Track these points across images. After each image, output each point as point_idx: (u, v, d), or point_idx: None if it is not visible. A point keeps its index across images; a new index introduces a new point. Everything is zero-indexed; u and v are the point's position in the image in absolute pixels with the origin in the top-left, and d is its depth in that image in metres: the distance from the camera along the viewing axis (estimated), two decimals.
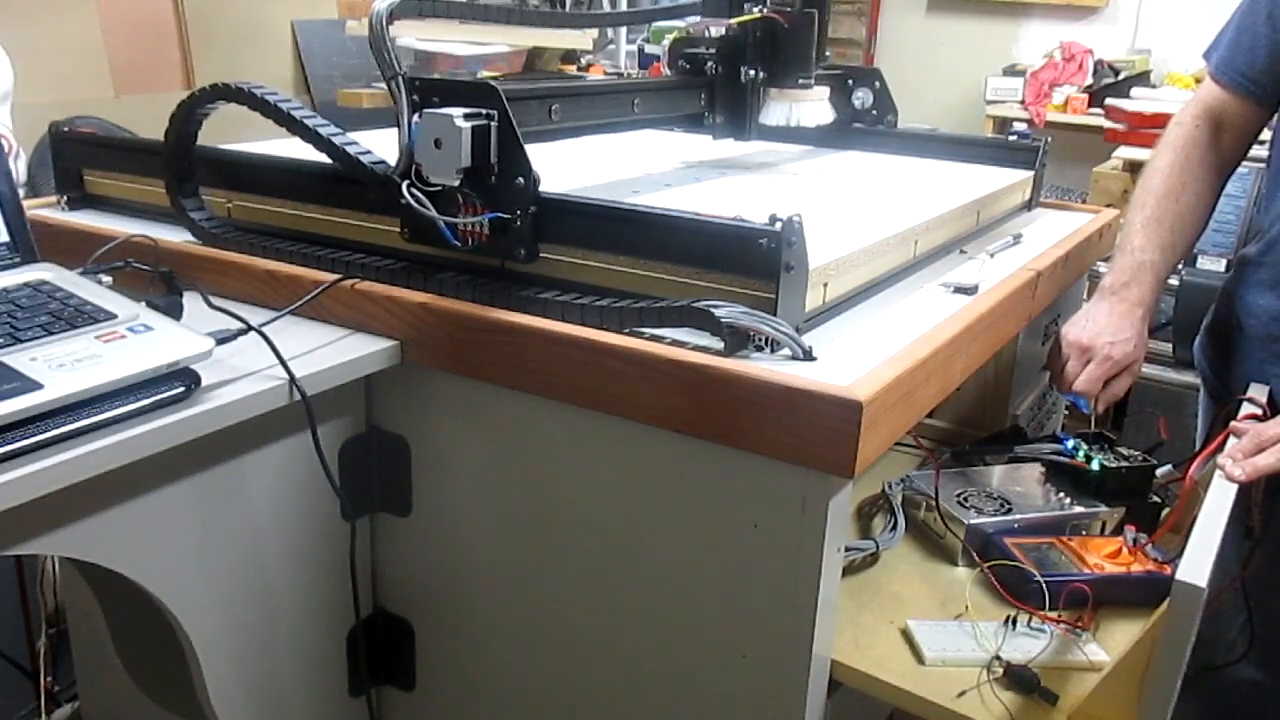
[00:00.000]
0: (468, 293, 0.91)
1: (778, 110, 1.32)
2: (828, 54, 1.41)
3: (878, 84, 1.54)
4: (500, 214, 0.88)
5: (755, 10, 1.27)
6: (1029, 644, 0.92)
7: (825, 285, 0.89)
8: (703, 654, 0.87)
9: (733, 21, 1.29)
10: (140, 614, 0.90)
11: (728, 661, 0.86)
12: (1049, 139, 1.51)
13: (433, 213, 0.88)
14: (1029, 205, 1.47)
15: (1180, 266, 2.17)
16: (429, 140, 0.86)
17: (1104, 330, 1.15)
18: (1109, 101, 3.38)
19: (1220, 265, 2.12)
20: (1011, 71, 4.03)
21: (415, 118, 0.88)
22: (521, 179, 0.87)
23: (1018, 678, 0.88)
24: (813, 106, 1.33)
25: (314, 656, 0.99)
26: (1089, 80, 3.81)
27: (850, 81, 1.55)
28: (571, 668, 0.96)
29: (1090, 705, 0.85)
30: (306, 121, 0.95)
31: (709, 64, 1.34)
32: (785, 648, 0.83)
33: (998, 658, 0.90)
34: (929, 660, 0.91)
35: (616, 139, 1.58)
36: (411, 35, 2.98)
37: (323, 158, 0.96)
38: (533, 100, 1.02)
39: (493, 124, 0.87)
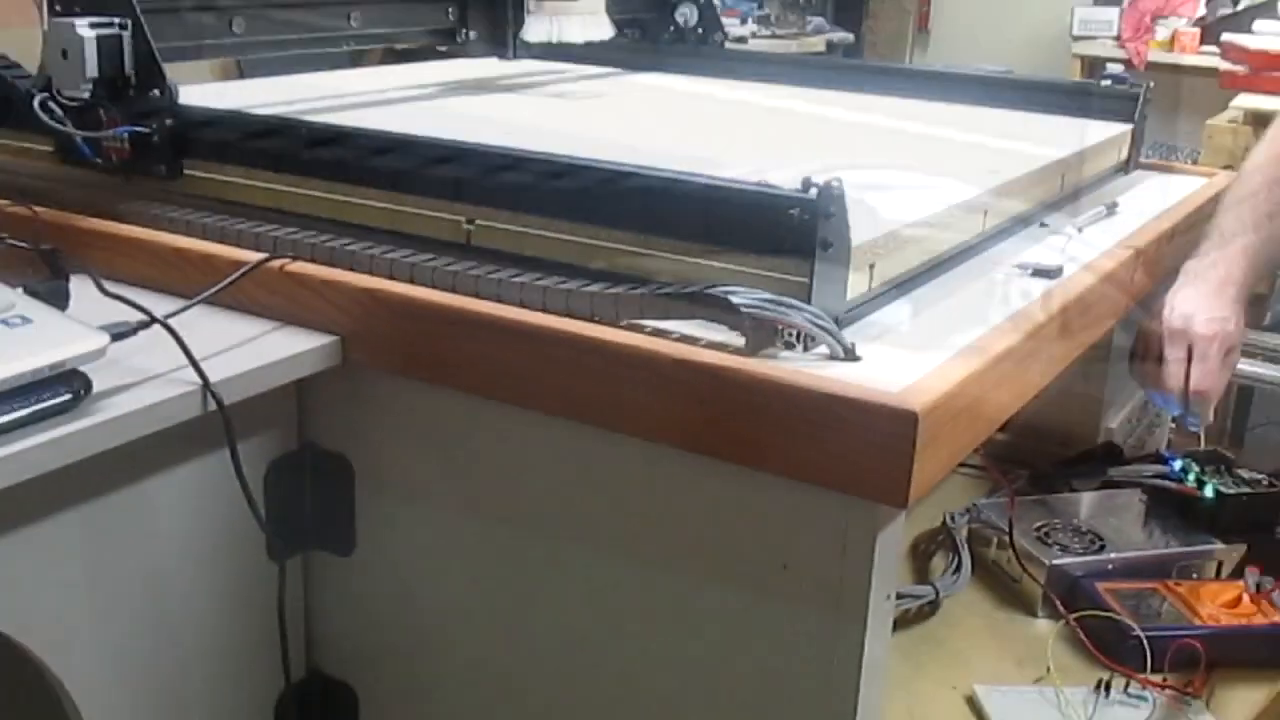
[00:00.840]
0: (425, 275, 0.91)
1: (538, 25, 1.40)
2: None
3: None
4: (136, 128, 1.01)
5: None
6: (1126, 715, 0.93)
7: (871, 267, 0.89)
8: None
9: None
10: (15, 676, 0.90)
11: None
12: (1151, 84, 1.51)
13: (67, 127, 1.00)
14: (1126, 167, 1.47)
15: None
16: (57, 51, 0.98)
17: (1199, 308, 1.14)
18: (1226, 37, 3.39)
19: None
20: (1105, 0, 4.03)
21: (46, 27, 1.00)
22: (157, 90, 1.00)
23: None
24: (581, 20, 1.40)
25: None
26: (1202, 10, 3.81)
27: None
28: None
29: None
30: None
31: None
32: None
33: None
34: None
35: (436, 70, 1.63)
36: None
37: None
38: (203, 11, 1.16)
39: (125, 33, 0.98)
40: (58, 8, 0.99)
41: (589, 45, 1.44)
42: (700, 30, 1.68)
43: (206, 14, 1.15)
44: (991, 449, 1.34)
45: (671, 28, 1.67)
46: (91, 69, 0.97)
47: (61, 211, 1.06)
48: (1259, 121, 2.63)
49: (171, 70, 1.16)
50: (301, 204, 1.01)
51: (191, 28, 1.13)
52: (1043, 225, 1.20)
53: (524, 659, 0.95)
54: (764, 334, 0.81)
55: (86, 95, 0.98)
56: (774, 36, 3.72)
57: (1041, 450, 1.36)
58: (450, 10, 1.44)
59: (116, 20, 0.98)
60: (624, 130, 1.28)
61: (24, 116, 1.02)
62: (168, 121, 1.01)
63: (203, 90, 1.29)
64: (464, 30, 1.45)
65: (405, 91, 1.40)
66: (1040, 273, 1.03)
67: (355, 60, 1.86)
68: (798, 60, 2.18)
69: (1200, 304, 1.15)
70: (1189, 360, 1.13)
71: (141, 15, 0.99)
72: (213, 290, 0.94)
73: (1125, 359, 1.29)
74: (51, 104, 0.99)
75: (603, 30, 1.43)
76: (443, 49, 1.52)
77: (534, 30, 1.41)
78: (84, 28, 0.96)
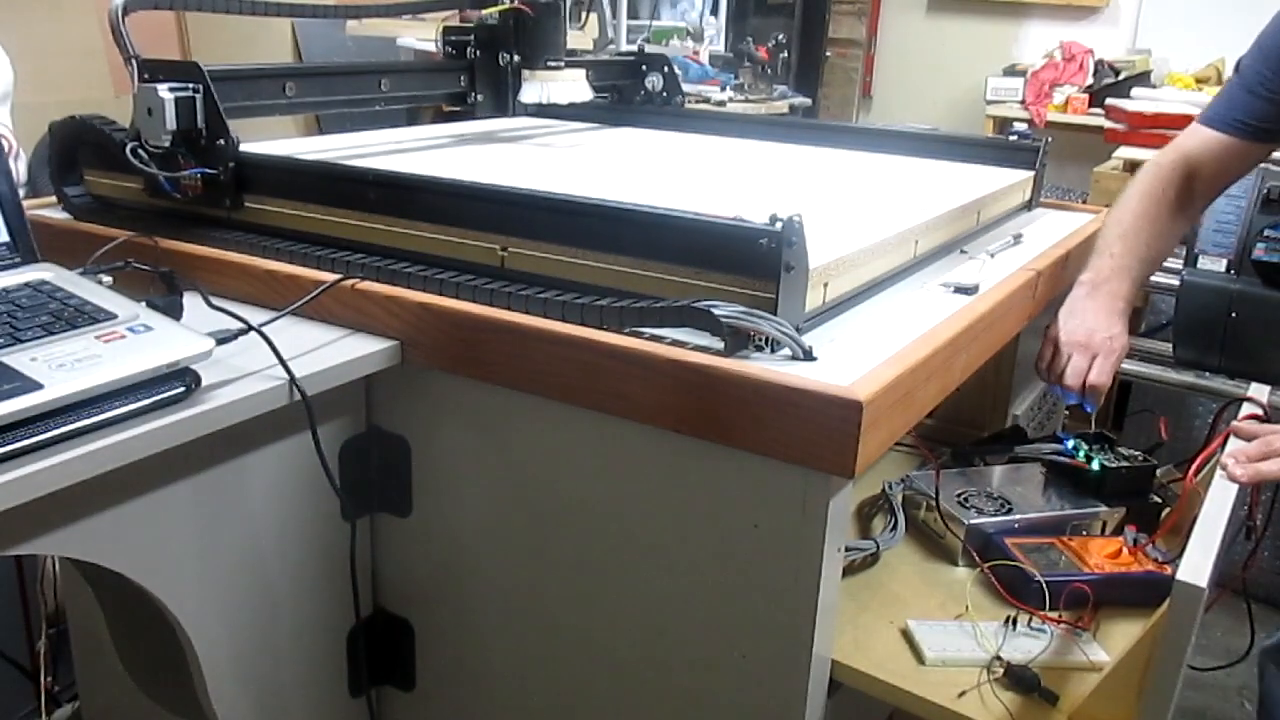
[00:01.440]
0: (467, 293, 0.91)
1: (532, 89, 1.44)
2: (748, 48, 1.55)
3: (666, 69, 1.73)
4: (207, 170, 1.05)
5: (506, 1, 1.42)
6: (1029, 644, 0.93)
7: (825, 285, 0.89)
8: (702, 654, 0.87)
9: (488, 11, 1.45)
10: (140, 614, 0.90)
11: (727, 662, 0.86)
12: (1049, 139, 1.51)
13: (152, 169, 1.04)
14: (1029, 205, 1.47)
15: (1181, 266, 2.17)
16: (144, 110, 1.02)
17: (1097, 326, 1.16)
18: (1109, 101, 3.39)
19: (1220, 265, 2.12)
20: (1012, 71, 4.03)
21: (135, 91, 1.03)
22: (222, 140, 1.04)
23: (1018, 678, 0.88)
24: (565, 85, 1.45)
25: (314, 656, 0.99)
26: (1089, 80, 3.81)
27: (644, 66, 1.73)
28: (570, 668, 0.96)
29: (1090, 705, 0.85)
30: (103, 128, 1.10)
31: (469, 49, 1.48)
32: (785, 648, 0.83)
33: (998, 658, 0.90)
34: (929, 660, 0.91)
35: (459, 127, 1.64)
36: (412, 35, 2.98)
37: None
38: (262, 79, 1.19)
39: (198, 96, 1.03)
40: (145, 76, 1.03)
41: (572, 105, 1.48)
42: (665, 94, 1.72)
43: (264, 80, 1.18)
44: (921, 431, 1.34)
45: (641, 92, 1.72)
46: (170, 123, 1.01)
47: (177, 241, 1.06)
48: (1135, 169, 2.62)
49: (259, 124, 1.20)
50: (364, 234, 1.01)
51: (252, 90, 1.16)
52: (962, 252, 1.20)
53: (550, 598, 0.95)
54: (739, 339, 0.81)
55: (167, 144, 1.02)
56: (747, 100, 3.72)
57: (961, 432, 1.36)
58: (461, 78, 1.48)
59: (190, 85, 1.02)
60: (603, 172, 1.30)
61: (120, 161, 1.05)
62: (231, 164, 1.04)
63: (277, 143, 1.30)
64: (473, 94, 1.49)
65: (436, 142, 1.42)
66: (961, 290, 1.03)
67: (411, 118, 1.87)
68: (773, 120, 2.17)
69: (1099, 321, 1.16)
70: (1089, 365, 1.14)
71: (211, 81, 1.03)
72: (298, 304, 0.93)
73: (1031, 359, 1.29)
74: (140, 151, 1.04)
75: (583, 93, 1.47)
76: (456, 109, 1.55)
77: (528, 93, 1.44)
78: (164, 91, 1.01)
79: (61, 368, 0.71)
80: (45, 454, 0.68)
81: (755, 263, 0.81)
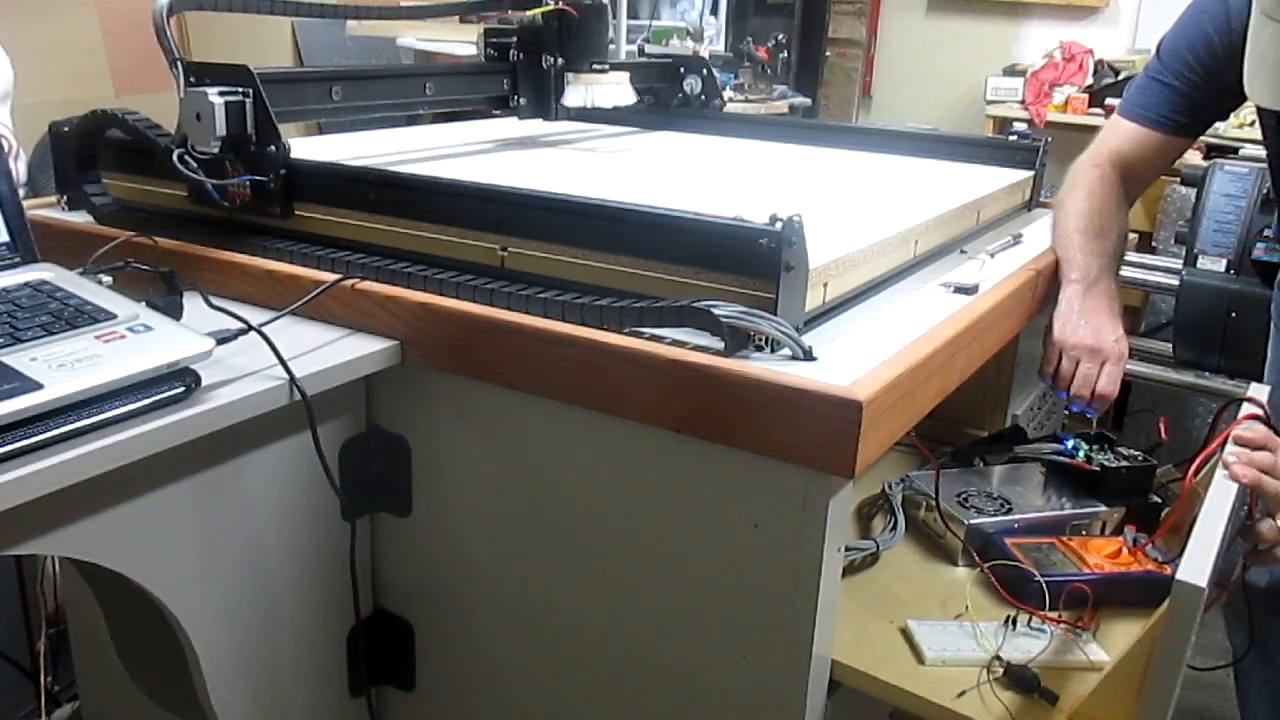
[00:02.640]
0: (467, 293, 0.91)
1: (576, 93, 1.41)
2: (748, 48, 1.53)
3: (705, 72, 1.68)
4: (256, 177, 1.01)
5: (550, 2, 1.38)
6: (1029, 644, 0.93)
7: (825, 285, 0.89)
8: (703, 654, 0.87)
9: (532, 12, 1.40)
10: (140, 614, 0.90)
11: (728, 661, 0.86)
12: (1049, 139, 1.51)
13: (200, 176, 1.00)
14: (1029, 205, 1.47)
15: (1181, 266, 2.17)
16: (192, 114, 0.98)
17: (1104, 328, 1.14)
18: (1109, 101, 3.39)
19: (1220, 265, 2.12)
20: (1011, 71, 4.02)
21: (183, 95, 0.99)
22: (273, 146, 1.00)
23: (1018, 678, 0.88)
24: (609, 89, 1.41)
25: (314, 656, 0.99)
26: (1089, 80, 3.81)
27: (682, 69, 1.69)
28: (571, 667, 0.96)
29: (1090, 705, 0.85)
30: (116, 111, 1.06)
31: (512, 51, 1.44)
32: (785, 647, 0.83)
33: (998, 658, 0.90)
34: (929, 660, 0.91)
35: (476, 127, 1.64)
36: (412, 35, 2.98)
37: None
38: (309, 82, 1.15)
39: (248, 100, 0.99)
40: (191, 79, 0.99)
41: (614, 109, 1.45)
42: (703, 97, 1.68)
43: (311, 84, 1.14)
44: (922, 430, 1.33)
45: (679, 95, 1.68)
46: (220, 129, 0.97)
47: (176, 241, 1.06)
48: None
49: None
50: (371, 235, 1.00)
51: (299, 94, 1.11)
52: (962, 252, 1.20)
53: (550, 597, 0.95)
54: (739, 339, 0.81)
55: (216, 150, 0.99)
56: (746, 100, 3.71)
57: (961, 432, 1.36)
58: (505, 81, 1.44)
59: (240, 89, 0.98)
60: (638, 174, 1.29)
61: (158, 165, 1.01)
62: (282, 172, 1.01)
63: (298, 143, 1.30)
64: (516, 97, 1.45)
65: (482, 147, 1.41)
66: (960, 290, 1.03)
67: (411, 118, 1.86)
68: (775, 121, 2.15)
69: (1104, 324, 1.14)
70: (1099, 371, 1.13)
71: (261, 85, 0.99)
72: (298, 304, 0.93)
73: (1031, 359, 1.29)
74: (187, 157, 0.99)
75: (627, 97, 1.44)
76: (497, 112, 1.52)
77: (572, 97, 1.41)
78: (214, 95, 0.96)
79: (61, 368, 0.71)
80: (45, 454, 0.68)
81: (755, 263, 0.81)
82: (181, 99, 0.99)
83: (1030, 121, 3.78)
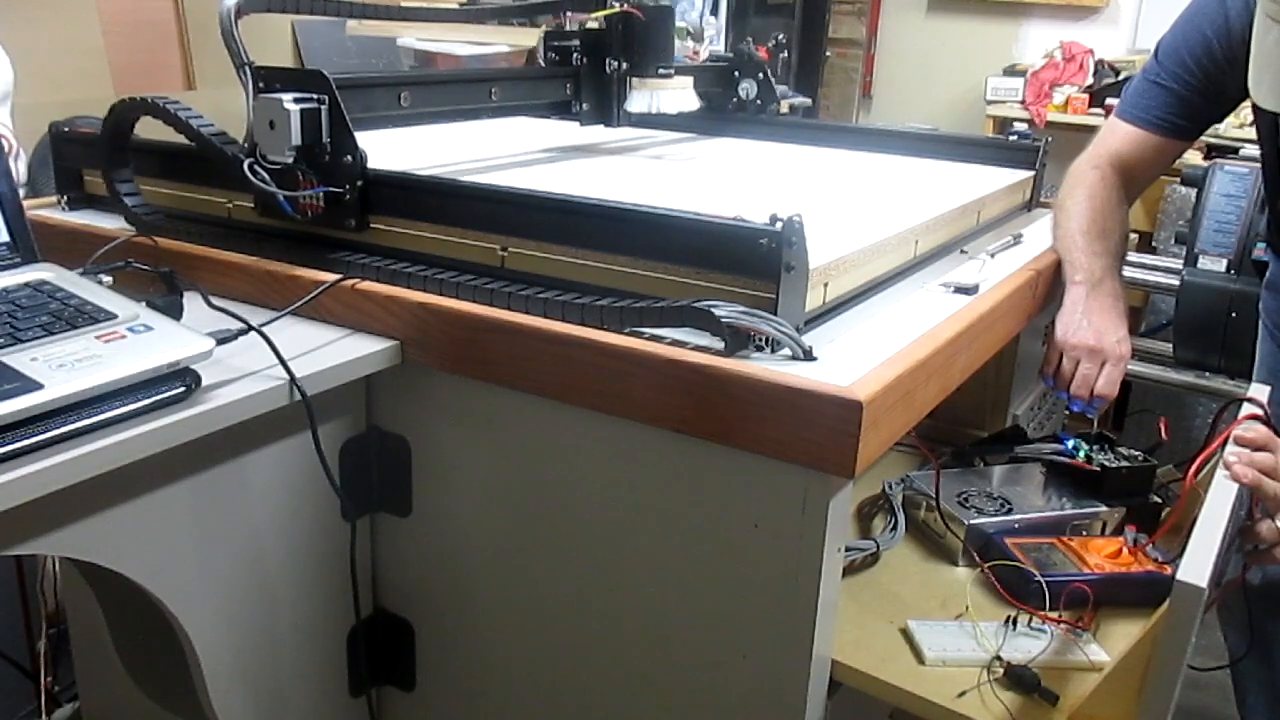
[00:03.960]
0: (467, 293, 0.91)
1: (640, 98, 1.38)
2: (748, 48, 1.52)
3: (762, 75, 1.61)
4: (332, 188, 0.96)
5: (615, 4, 1.33)
6: (1029, 644, 0.92)
7: (825, 285, 0.89)
8: (703, 654, 0.87)
9: (595, 15, 1.36)
10: (140, 614, 0.90)
11: (728, 661, 0.86)
12: (1049, 139, 1.51)
13: (271, 186, 0.95)
14: (1029, 205, 1.47)
15: (1181, 266, 2.17)
16: (265, 122, 0.94)
17: (1106, 329, 1.14)
18: (1109, 101, 3.38)
19: (1221, 265, 2.12)
20: (1012, 71, 4.02)
21: (255, 102, 0.95)
22: (350, 156, 0.95)
23: (1018, 678, 0.88)
24: (674, 94, 1.38)
25: (314, 656, 0.99)
26: (1089, 80, 3.81)
27: (737, 73, 1.61)
28: (571, 667, 0.96)
29: (1090, 705, 0.85)
30: (180, 114, 1.01)
31: (575, 55, 1.40)
32: (785, 648, 0.83)
33: (998, 658, 0.90)
34: (929, 660, 0.91)
35: (514, 128, 1.62)
36: (412, 35, 2.98)
37: None
38: (378, 88, 1.11)
39: (323, 107, 0.94)
40: (260, 85, 0.95)
41: (678, 115, 1.42)
42: (759, 101, 1.63)
43: (380, 89, 1.11)
44: (922, 430, 1.33)
45: (734, 99, 1.63)
46: (295, 138, 0.93)
47: (176, 241, 1.06)
48: None
49: None
50: (516, 261, 0.95)
51: (369, 100, 1.07)
52: (962, 252, 1.20)
53: (549, 597, 0.95)
54: (739, 339, 0.81)
55: (290, 160, 0.94)
56: None
57: (962, 432, 1.36)
58: (568, 86, 1.41)
59: (315, 96, 0.94)
60: (701, 180, 1.26)
61: (229, 177, 0.97)
62: (359, 183, 0.96)
63: None
64: (578, 103, 1.42)
65: (551, 155, 1.38)
66: (961, 290, 1.03)
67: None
68: (827, 127, 2.02)
69: (1105, 323, 1.14)
70: (1098, 372, 1.12)
71: (341, 94, 0.94)
72: (298, 304, 0.93)
73: (1031, 359, 1.28)
74: (258, 167, 0.95)
75: (691, 102, 1.40)
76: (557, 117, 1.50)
77: (636, 102, 1.38)
78: (290, 103, 0.92)
79: (62, 368, 0.71)
80: (45, 454, 0.68)
81: (755, 263, 0.81)
82: (252, 105, 0.95)
83: (1030, 121, 3.78)
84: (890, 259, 1.03)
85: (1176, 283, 2.15)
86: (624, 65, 1.38)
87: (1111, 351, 1.13)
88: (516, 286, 0.90)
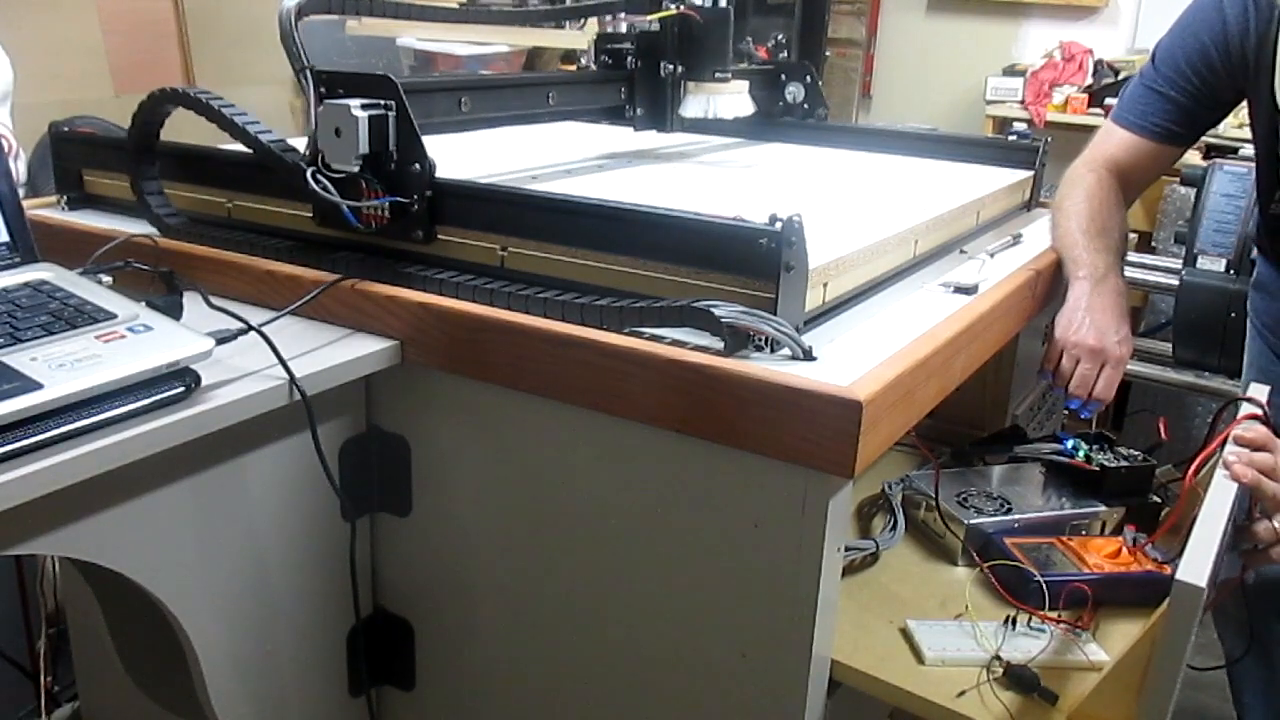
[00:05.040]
0: (467, 293, 0.91)
1: (695, 103, 1.35)
2: (748, 48, 1.49)
3: (809, 78, 1.58)
4: (398, 198, 0.93)
5: (672, 6, 1.30)
6: (1029, 644, 0.92)
7: (825, 285, 0.89)
8: (703, 654, 0.87)
9: (651, 17, 1.32)
10: (140, 614, 0.90)
11: (728, 661, 0.86)
12: (1049, 139, 1.51)
13: (335, 197, 0.91)
14: (1029, 205, 1.47)
15: (1181, 266, 2.17)
16: (330, 129, 0.90)
17: (1108, 329, 1.13)
18: (1109, 101, 3.38)
19: (1220, 265, 2.11)
20: (1011, 71, 4.02)
21: (319, 108, 0.92)
22: (418, 165, 0.92)
23: (1017, 677, 0.88)
24: (730, 99, 1.36)
25: (314, 656, 0.99)
26: (1089, 80, 3.81)
27: (783, 76, 1.58)
28: (571, 667, 0.96)
29: (1090, 705, 0.85)
30: (234, 117, 0.98)
31: (629, 58, 1.38)
32: (785, 647, 0.83)
33: (998, 657, 0.90)
34: (929, 660, 0.91)
35: (552, 132, 1.60)
36: (412, 35, 2.98)
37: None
38: (439, 93, 1.08)
39: (390, 114, 0.91)
40: (322, 90, 0.92)
41: (715, 119, 1.38)
42: (806, 105, 1.59)
43: (440, 94, 1.08)
44: (921, 430, 1.33)
45: (780, 103, 1.60)
46: (363, 146, 0.90)
47: (176, 241, 1.05)
48: None
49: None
50: (522, 263, 0.94)
51: (429, 105, 1.04)
52: (962, 252, 1.20)
53: (549, 597, 0.95)
54: (739, 339, 0.81)
55: (356, 169, 0.91)
56: None
57: (961, 432, 1.36)
58: (622, 91, 1.38)
59: (382, 102, 0.91)
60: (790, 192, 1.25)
61: (288, 186, 0.94)
62: (427, 192, 0.92)
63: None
64: (632, 107, 1.39)
65: (616, 162, 1.37)
66: (960, 290, 1.03)
67: None
68: (878, 131, 1.93)
69: (1109, 324, 1.13)
70: (1098, 373, 1.12)
71: (408, 100, 0.91)
72: (298, 304, 0.93)
73: (1031, 359, 1.28)
74: (320, 176, 0.92)
75: (747, 107, 1.38)
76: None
77: (692, 107, 1.35)
78: (357, 109, 0.89)
79: (61, 368, 0.71)
80: (45, 454, 0.68)
81: (755, 263, 0.81)
82: (316, 111, 0.91)
83: (1030, 121, 3.78)
84: (890, 259, 1.03)
85: (1176, 283, 2.15)
86: (679, 69, 1.34)
87: (1112, 353, 1.12)
88: (516, 286, 0.90)
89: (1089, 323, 1.13)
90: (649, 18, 1.33)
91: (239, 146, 0.99)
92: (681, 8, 1.30)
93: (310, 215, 1.00)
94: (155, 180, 1.08)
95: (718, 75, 1.33)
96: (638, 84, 1.38)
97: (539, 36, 3.10)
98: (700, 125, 1.42)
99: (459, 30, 2.88)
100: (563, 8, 1.56)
